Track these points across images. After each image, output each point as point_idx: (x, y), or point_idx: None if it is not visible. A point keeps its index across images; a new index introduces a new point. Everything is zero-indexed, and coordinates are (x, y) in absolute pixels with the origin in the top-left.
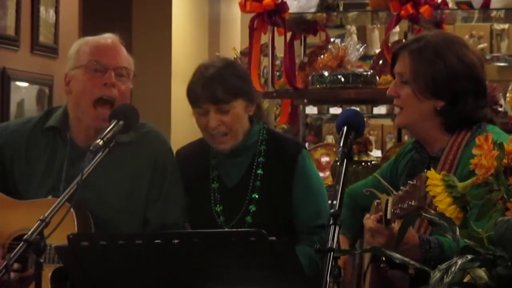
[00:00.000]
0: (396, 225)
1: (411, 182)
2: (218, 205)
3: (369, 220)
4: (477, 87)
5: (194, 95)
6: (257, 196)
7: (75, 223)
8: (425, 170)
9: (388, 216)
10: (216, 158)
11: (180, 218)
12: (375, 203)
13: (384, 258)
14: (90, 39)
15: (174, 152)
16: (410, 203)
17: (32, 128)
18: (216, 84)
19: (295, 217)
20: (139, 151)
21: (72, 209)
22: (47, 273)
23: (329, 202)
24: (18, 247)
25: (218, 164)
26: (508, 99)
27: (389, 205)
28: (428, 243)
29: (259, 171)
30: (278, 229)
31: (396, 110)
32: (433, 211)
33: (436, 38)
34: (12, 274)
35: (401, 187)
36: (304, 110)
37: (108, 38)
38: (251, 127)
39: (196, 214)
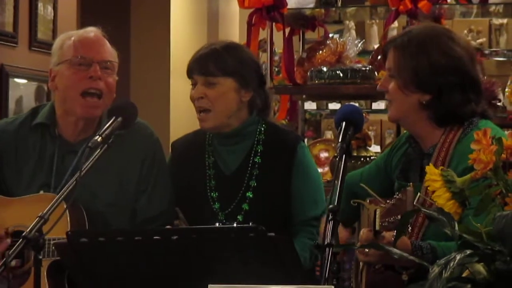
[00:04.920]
0: (387, 234)
1: (397, 197)
2: (213, 192)
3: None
4: (464, 80)
5: (189, 66)
6: (254, 184)
7: (68, 218)
8: (419, 167)
9: (377, 227)
10: (212, 146)
11: (166, 207)
12: (366, 209)
13: None
14: (73, 33)
15: (170, 144)
16: (397, 218)
17: (20, 127)
18: (209, 58)
19: (293, 207)
20: (127, 144)
21: (65, 204)
22: (43, 267)
23: (328, 197)
24: (17, 244)
25: (214, 151)
26: (507, 93)
27: (377, 217)
28: (420, 249)
29: (257, 159)
30: (274, 218)
31: (388, 105)
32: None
33: (421, 31)
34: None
35: (387, 200)
36: (303, 105)
37: (91, 31)
38: (249, 116)
39: (192, 200)
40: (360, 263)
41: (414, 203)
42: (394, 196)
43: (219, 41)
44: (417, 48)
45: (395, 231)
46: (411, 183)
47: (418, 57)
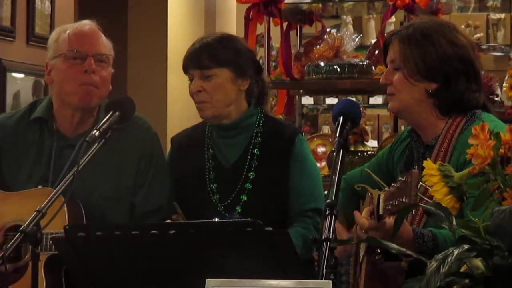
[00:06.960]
0: (389, 219)
1: (402, 179)
2: (212, 183)
3: (362, 219)
4: (468, 69)
5: (184, 62)
6: (253, 175)
7: (66, 213)
8: (421, 160)
9: (380, 212)
10: (211, 138)
11: (164, 201)
12: (369, 194)
13: (378, 250)
14: (68, 26)
15: (168, 139)
16: (401, 200)
17: (18, 121)
18: (202, 52)
19: (290, 199)
20: (125, 138)
21: (63, 198)
22: (41, 261)
23: (325, 192)
24: (15, 238)
25: (213, 144)
26: (504, 89)
27: (381, 201)
28: (422, 237)
29: (256, 151)
30: (273, 209)
31: (389, 98)
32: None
33: (425, 23)
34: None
35: (392, 183)
36: (300, 100)
37: (86, 24)
38: (248, 108)
39: (191, 192)
40: (360, 255)
41: (419, 185)
42: (399, 178)
43: (212, 34)
44: (423, 37)
45: (394, 221)
46: (416, 166)
47: (425, 46)
